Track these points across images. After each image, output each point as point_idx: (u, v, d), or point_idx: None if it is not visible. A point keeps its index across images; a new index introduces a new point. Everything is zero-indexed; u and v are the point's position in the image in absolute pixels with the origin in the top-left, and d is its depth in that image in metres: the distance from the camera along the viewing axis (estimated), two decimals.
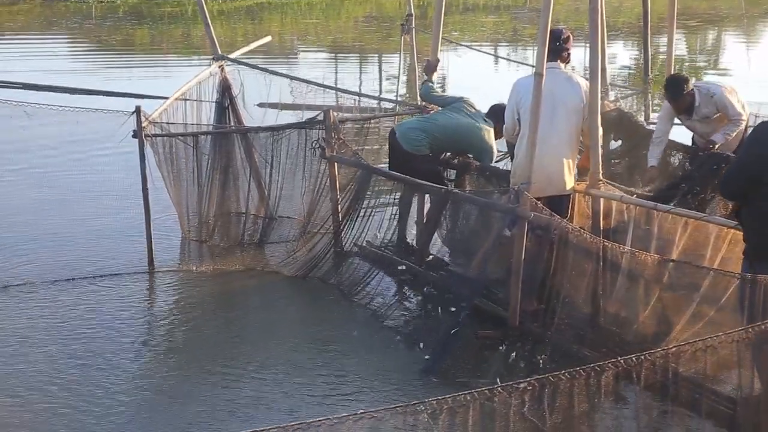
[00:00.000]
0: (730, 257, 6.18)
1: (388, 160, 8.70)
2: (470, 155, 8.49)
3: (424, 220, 8.60)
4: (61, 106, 9.95)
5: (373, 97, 12.17)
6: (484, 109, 8.60)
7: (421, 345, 6.99)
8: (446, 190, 7.82)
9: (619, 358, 4.06)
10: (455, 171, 8.76)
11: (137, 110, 8.49)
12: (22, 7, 36.08)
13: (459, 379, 6.51)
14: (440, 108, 8.76)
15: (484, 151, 8.35)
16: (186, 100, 9.57)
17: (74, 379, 6.58)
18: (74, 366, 6.80)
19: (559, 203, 7.03)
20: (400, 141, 8.36)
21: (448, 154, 8.69)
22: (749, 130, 7.51)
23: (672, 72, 9.07)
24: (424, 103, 9.18)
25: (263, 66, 11.13)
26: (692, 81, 8.21)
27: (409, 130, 8.44)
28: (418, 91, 9.56)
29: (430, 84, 8.87)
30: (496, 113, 8.30)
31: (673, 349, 4.26)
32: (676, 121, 8.42)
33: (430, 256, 8.30)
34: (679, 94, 8.08)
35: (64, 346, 7.15)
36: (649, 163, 8.30)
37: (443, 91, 13.91)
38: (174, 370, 6.81)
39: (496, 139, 8.47)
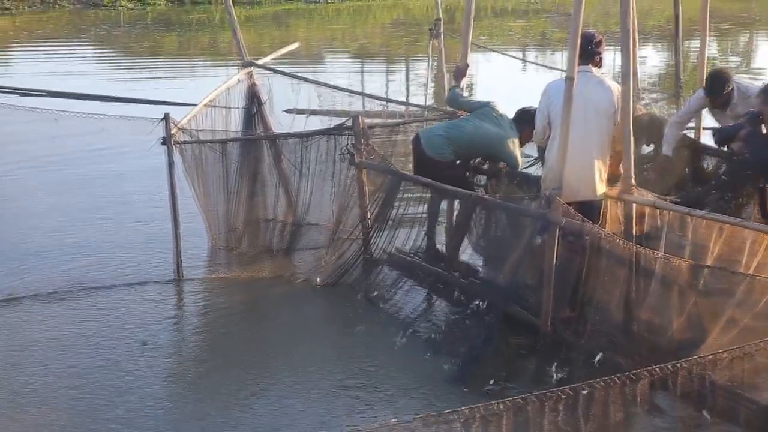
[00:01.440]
0: (767, 263, 6.11)
1: (412, 166, 8.67)
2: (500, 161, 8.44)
3: (453, 227, 8.57)
4: (88, 114, 9.98)
5: (402, 103, 12.14)
6: (511, 114, 8.55)
7: (452, 353, 6.95)
8: (475, 195, 7.79)
9: (654, 366, 4.01)
10: (485, 176, 8.72)
11: (166, 117, 8.51)
12: (51, 15, 36.41)
13: (490, 387, 6.47)
14: (467, 113, 8.70)
15: (509, 159, 8.27)
16: (214, 106, 9.59)
17: (99, 389, 6.60)
18: (99, 375, 6.82)
19: (591, 209, 6.97)
20: (424, 147, 8.32)
21: (478, 159, 8.66)
22: None
23: (704, 76, 8.99)
24: (452, 108, 9.14)
25: (291, 72, 11.11)
26: (733, 79, 8.14)
27: (433, 136, 8.38)
28: (445, 96, 9.51)
29: (458, 89, 8.82)
30: (524, 118, 8.25)
31: (710, 356, 4.21)
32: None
33: (460, 263, 8.27)
34: (719, 93, 8.02)
35: (90, 354, 7.18)
36: (663, 150, 8.25)
37: (471, 95, 13.88)
38: (201, 380, 6.80)
39: (524, 144, 8.43)
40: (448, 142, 8.26)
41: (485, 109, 8.45)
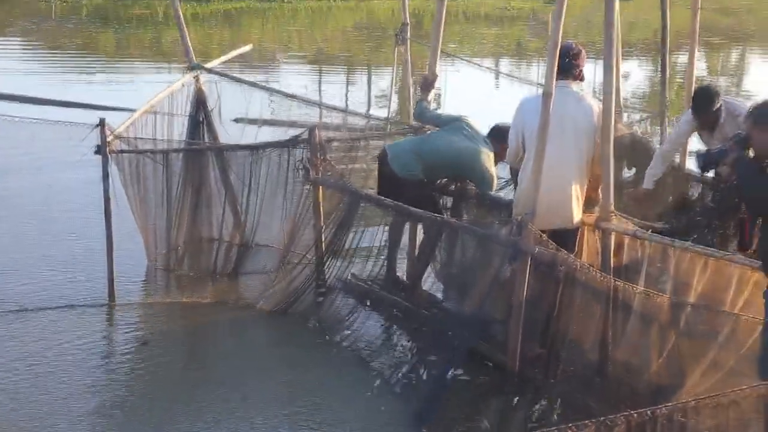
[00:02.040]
0: (753, 301, 6.16)
1: (377, 184, 8.69)
2: (469, 182, 8.48)
3: (416, 253, 8.60)
4: (14, 117, 9.92)
5: (363, 115, 12.19)
6: (484, 131, 8.60)
7: (411, 391, 6.96)
8: (441, 219, 7.82)
9: (631, 412, 4.05)
10: (452, 198, 8.76)
11: (101, 123, 8.47)
12: None
13: (453, 430, 6.49)
14: (436, 128, 8.74)
15: (483, 178, 8.30)
16: (156, 113, 9.54)
17: (20, 426, 6.51)
18: (20, 412, 6.72)
19: (566, 237, 7.01)
20: (391, 164, 8.34)
21: (445, 179, 8.70)
22: None
23: (691, 94, 9.11)
24: (417, 122, 9.18)
25: (242, 78, 11.13)
26: (721, 96, 8.25)
27: (401, 152, 8.40)
28: (411, 109, 9.56)
29: (425, 102, 8.86)
30: (499, 134, 8.29)
31: (692, 402, 4.26)
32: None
33: (422, 293, 8.31)
34: (707, 109, 8.13)
35: (7, 387, 7.08)
36: (645, 183, 8.36)
37: (438, 109, 13.95)
38: (134, 416, 6.75)
39: (497, 163, 8.47)
40: (417, 158, 8.28)
41: (457, 123, 8.48)
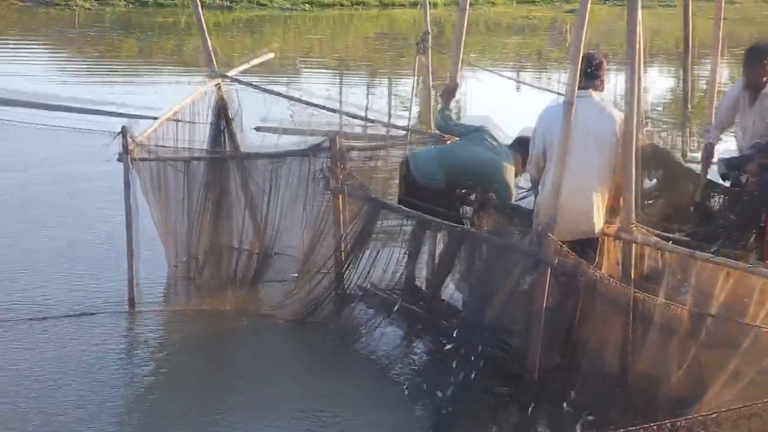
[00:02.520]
0: None
1: (398, 191, 8.69)
2: (489, 192, 8.48)
3: (436, 262, 8.59)
4: (38, 124, 9.95)
5: (384, 123, 12.19)
6: (504, 140, 8.60)
7: (430, 401, 6.96)
8: (462, 228, 7.81)
9: (651, 424, 4.04)
10: (472, 208, 8.76)
11: (123, 131, 8.50)
12: None
13: None
14: (458, 138, 8.75)
15: (503, 189, 8.31)
16: (178, 121, 9.55)
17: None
18: (40, 418, 6.73)
19: (587, 247, 7.00)
20: (414, 172, 8.35)
21: (465, 189, 8.70)
22: None
23: (714, 103, 9.08)
24: (439, 132, 9.17)
25: (263, 86, 11.15)
26: None
27: (423, 160, 8.42)
28: (432, 118, 9.56)
29: (447, 111, 8.87)
30: (522, 145, 8.30)
31: (712, 414, 4.24)
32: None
33: (442, 302, 8.30)
34: (758, 60, 8.21)
35: (29, 395, 7.10)
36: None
37: (459, 118, 13.94)
38: (154, 425, 6.77)
39: (518, 174, 8.47)
40: (439, 167, 8.29)
41: (478, 134, 8.49)
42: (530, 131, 7.82)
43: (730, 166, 7.95)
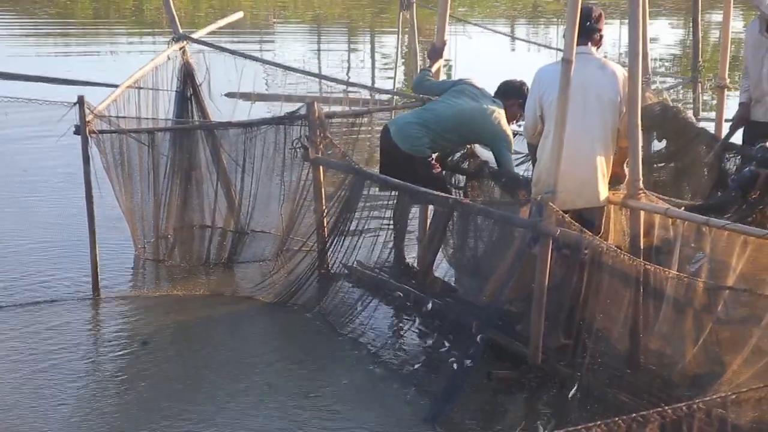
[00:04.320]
0: None
1: (379, 164, 8.69)
2: (485, 160, 8.50)
3: (427, 236, 8.61)
4: None
5: (366, 87, 12.19)
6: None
7: (424, 387, 6.99)
8: (453, 199, 7.82)
9: (665, 407, 4.05)
10: (464, 177, 8.77)
11: (80, 101, 8.44)
12: None
13: (469, 429, 6.50)
14: (438, 97, 8.73)
15: (496, 136, 8.32)
16: (140, 88, 9.51)
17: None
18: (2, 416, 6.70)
19: (591, 217, 7.02)
20: (395, 140, 8.34)
21: (457, 155, 8.72)
22: None
23: (727, 57, 9.10)
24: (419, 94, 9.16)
25: (233, 48, 11.11)
26: None
27: (405, 125, 8.42)
28: None
29: (427, 72, 8.88)
30: (507, 91, 8.36)
31: (732, 395, 4.26)
32: None
33: (435, 280, 8.32)
34: None
35: None
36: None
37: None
38: (121, 419, 6.77)
39: (511, 121, 8.49)
40: (423, 130, 8.28)
41: (459, 86, 8.53)
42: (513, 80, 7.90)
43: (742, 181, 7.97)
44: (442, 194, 7.88)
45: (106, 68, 16.62)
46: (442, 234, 8.25)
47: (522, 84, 8.47)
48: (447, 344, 7.45)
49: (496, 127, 8.31)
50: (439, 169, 8.49)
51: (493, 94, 8.54)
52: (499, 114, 8.35)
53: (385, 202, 8.52)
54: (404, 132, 8.34)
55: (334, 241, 8.54)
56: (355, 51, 23.59)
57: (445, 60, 9.22)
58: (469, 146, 8.78)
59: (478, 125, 8.34)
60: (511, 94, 8.38)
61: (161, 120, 9.67)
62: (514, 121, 8.62)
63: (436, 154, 8.53)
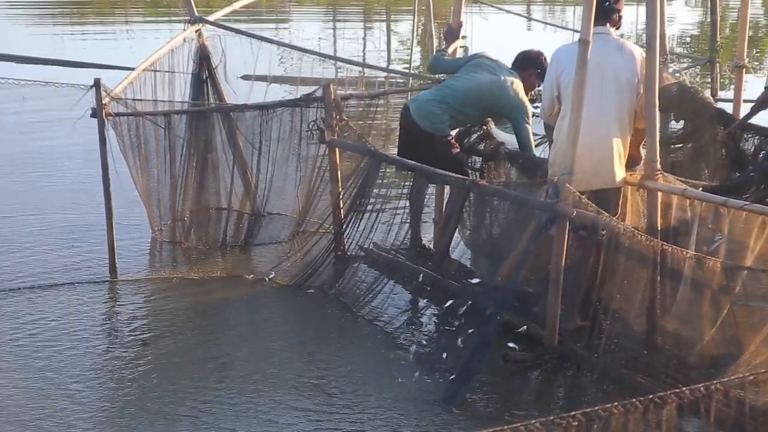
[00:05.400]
0: None
1: (398, 143, 8.68)
2: (501, 141, 8.48)
3: (443, 218, 8.60)
4: (2, 79, 9.89)
5: (382, 69, 12.17)
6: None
7: (440, 369, 6.99)
8: (470, 181, 7.80)
9: (683, 388, 4.03)
10: (481, 158, 8.76)
11: (96, 84, 8.44)
12: None
13: (486, 411, 6.50)
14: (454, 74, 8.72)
15: (515, 108, 8.33)
16: (156, 71, 9.51)
17: (24, 411, 6.54)
18: (23, 397, 6.70)
19: (608, 198, 6.99)
20: (415, 118, 8.34)
21: (474, 137, 8.70)
22: None
23: (745, 37, 9.03)
24: (436, 74, 9.14)
25: (249, 31, 11.08)
26: None
27: (425, 103, 8.42)
28: None
29: (443, 53, 8.86)
30: (525, 62, 8.38)
31: (750, 376, 4.24)
32: None
33: (451, 261, 8.31)
34: None
35: (4, 366, 7.09)
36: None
37: None
38: (141, 400, 6.77)
39: (529, 91, 8.51)
40: (442, 106, 8.31)
41: (475, 60, 8.56)
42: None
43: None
44: (459, 176, 7.86)
45: (122, 51, 16.61)
46: (458, 215, 8.23)
47: (539, 54, 8.51)
48: (464, 326, 7.42)
49: (514, 99, 8.34)
50: (458, 149, 8.49)
51: (510, 65, 8.54)
52: (517, 85, 8.37)
53: (402, 183, 8.52)
54: (424, 109, 8.35)
55: (350, 223, 8.53)
56: (370, 33, 23.53)
57: (461, 40, 9.17)
58: (485, 127, 8.77)
59: (496, 97, 8.36)
60: (529, 64, 8.39)
61: (177, 102, 9.67)
62: (532, 92, 8.63)
63: (456, 131, 8.53)
